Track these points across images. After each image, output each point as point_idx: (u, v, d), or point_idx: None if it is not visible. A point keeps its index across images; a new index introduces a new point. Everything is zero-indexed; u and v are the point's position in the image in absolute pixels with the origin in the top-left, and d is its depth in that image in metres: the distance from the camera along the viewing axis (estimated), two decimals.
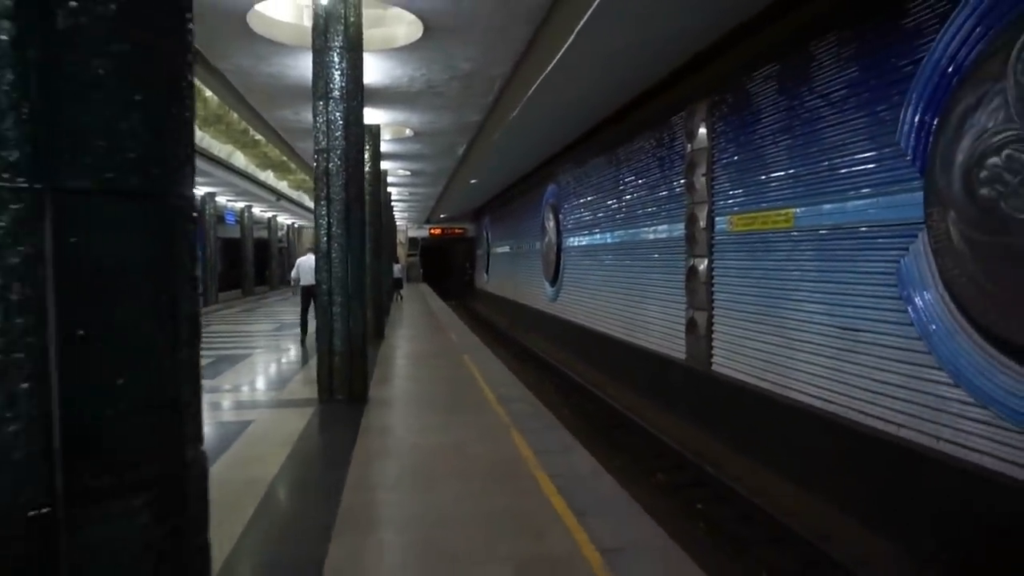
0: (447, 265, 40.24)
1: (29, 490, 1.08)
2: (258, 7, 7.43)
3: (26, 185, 1.06)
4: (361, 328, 6.87)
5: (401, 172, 20.06)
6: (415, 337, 13.54)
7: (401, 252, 35.01)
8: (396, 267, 23.53)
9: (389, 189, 22.37)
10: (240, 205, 25.79)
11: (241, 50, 8.59)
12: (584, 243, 14.88)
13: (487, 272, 32.55)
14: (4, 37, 1.04)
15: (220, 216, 23.81)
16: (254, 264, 27.50)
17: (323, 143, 6.77)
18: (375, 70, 9.03)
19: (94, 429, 1.13)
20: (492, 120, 12.63)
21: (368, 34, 7.28)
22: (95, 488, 1.13)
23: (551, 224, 17.74)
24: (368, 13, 7.16)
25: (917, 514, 5.27)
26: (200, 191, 22.45)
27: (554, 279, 17.38)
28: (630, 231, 11.89)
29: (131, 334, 1.18)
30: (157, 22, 1.22)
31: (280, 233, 34.64)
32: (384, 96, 10.48)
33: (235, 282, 26.12)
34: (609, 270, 13.11)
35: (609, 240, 13.12)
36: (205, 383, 8.13)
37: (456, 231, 38.80)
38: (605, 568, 3.20)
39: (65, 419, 1.10)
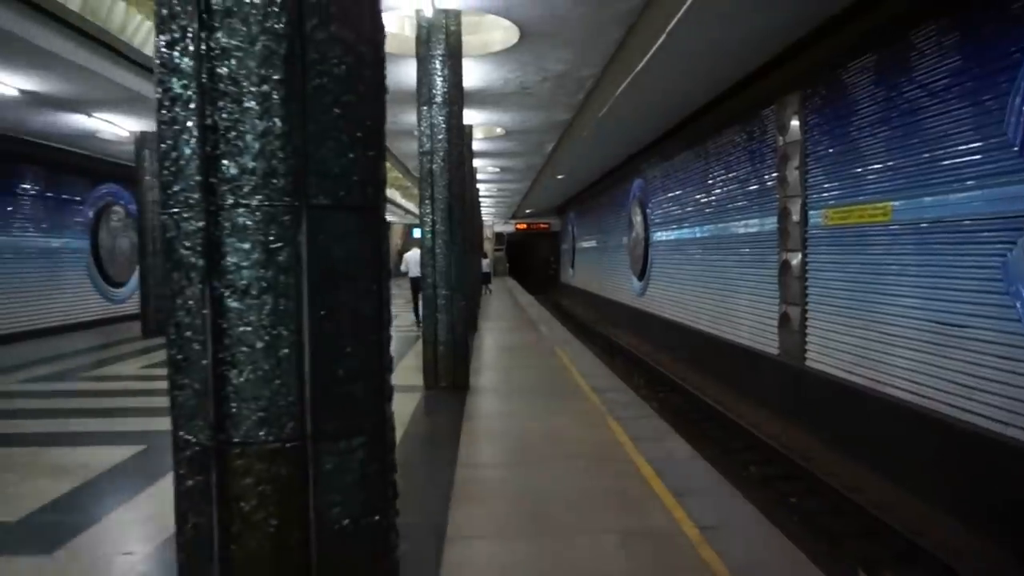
0: (532, 260, 40.67)
1: (289, 428, 1.47)
2: None
3: (290, 203, 1.44)
4: (463, 319, 7.30)
5: (490, 169, 20.55)
6: (506, 329, 13.95)
7: (488, 247, 35.63)
8: (484, 262, 24.09)
9: (477, 186, 22.94)
10: None
11: None
12: (672, 237, 14.91)
13: (572, 267, 32.76)
14: (276, 98, 1.43)
15: None
16: None
17: (427, 146, 7.22)
18: (472, 74, 9.44)
19: (330, 386, 1.51)
20: (581, 118, 12.87)
21: (466, 40, 7.66)
22: (330, 430, 1.51)
23: (638, 219, 17.80)
24: (466, 20, 7.55)
25: (1019, 512, 5.21)
26: None
27: (641, 274, 17.44)
28: (719, 225, 11.89)
29: (354, 314, 1.55)
30: (367, 78, 1.58)
31: None
32: (478, 98, 10.90)
33: None
34: (698, 264, 13.12)
35: (698, 234, 13.13)
36: None
37: (541, 226, 39.14)
38: (704, 543, 3.44)
39: (312, 377, 1.48)
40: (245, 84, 1.43)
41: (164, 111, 1.51)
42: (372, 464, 1.59)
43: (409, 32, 8.38)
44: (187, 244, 1.48)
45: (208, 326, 1.45)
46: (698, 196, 13.09)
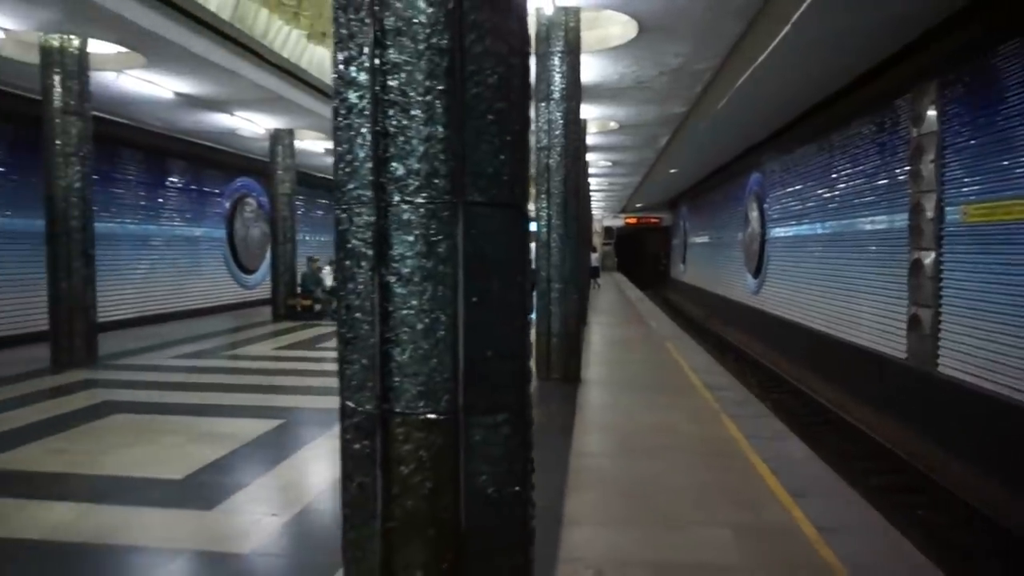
0: (641, 254, 40.15)
1: (444, 402, 1.64)
2: None
3: (449, 200, 1.61)
4: (576, 312, 7.42)
5: (602, 163, 20.51)
6: (616, 323, 13.95)
7: (596, 241, 35.52)
8: (593, 256, 24.07)
9: (588, 180, 22.93)
10: None
11: None
12: (790, 234, 14.38)
13: (683, 262, 32.12)
14: (439, 107, 1.60)
15: None
16: None
17: (544, 141, 7.37)
18: (588, 69, 9.49)
19: (480, 365, 1.67)
20: (697, 111, 12.65)
21: (584, 36, 7.73)
22: (479, 405, 1.67)
23: (754, 214, 17.26)
24: (584, 16, 7.61)
25: None
26: None
27: (756, 270, 16.91)
28: (843, 222, 11.36)
29: (502, 302, 1.70)
30: (516, 86, 1.73)
31: None
32: (594, 93, 10.94)
33: None
34: (818, 262, 12.59)
35: (819, 231, 12.60)
36: None
37: (652, 220, 38.57)
38: (823, 543, 3.40)
39: (465, 357, 1.64)
40: (412, 95, 1.61)
41: (340, 119, 1.71)
42: (514, 439, 1.74)
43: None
44: (359, 236, 1.68)
45: (376, 309, 1.64)
46: (820, 191, 12.55)
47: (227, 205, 16.70)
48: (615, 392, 7.27)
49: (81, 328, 8.49)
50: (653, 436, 5.39)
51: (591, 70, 9.67)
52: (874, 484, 7.02)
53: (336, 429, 5.42)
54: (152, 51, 8.31)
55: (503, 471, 1.71)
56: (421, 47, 1.60)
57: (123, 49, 8.47)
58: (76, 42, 8.05)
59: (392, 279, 1.63)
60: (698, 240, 27.98)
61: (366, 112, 1.65)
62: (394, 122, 1.62)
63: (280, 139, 13.84)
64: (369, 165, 1.65)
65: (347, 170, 1.70)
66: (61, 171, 8.24)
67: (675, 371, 8.19)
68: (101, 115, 10.34)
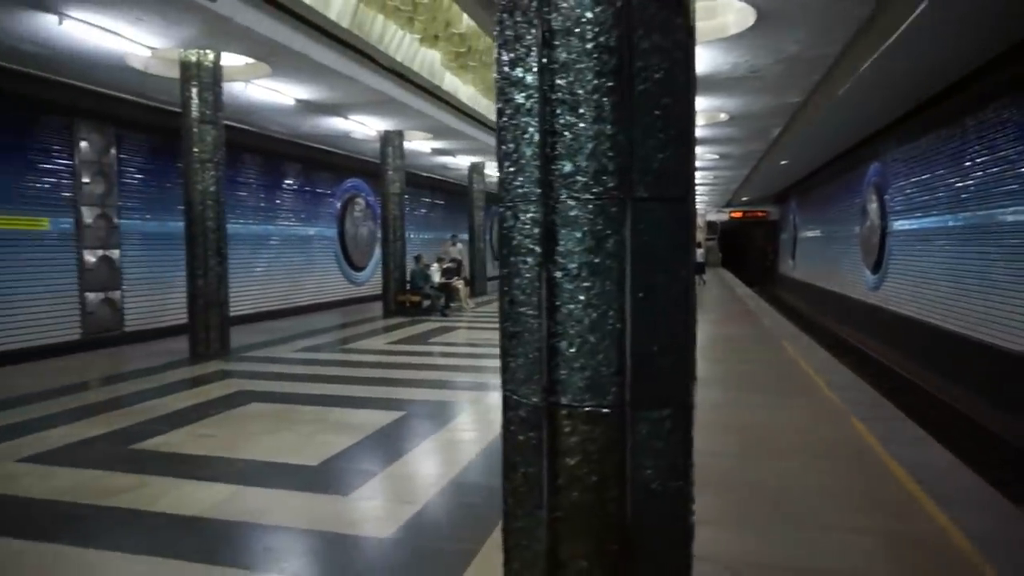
0: (747, 249, 38.86)
1: (611, 395, 1.66)
2: None
3: (617, 196, 1.63)
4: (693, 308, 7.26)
5: (708, 156, 19.98)
6: (726, 320, 13.57)
7: (700, 236, 34.67)
8: (698, 251, 23.53)
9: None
10: None
11: None
12: (915, 227, 13.51)
13: (792, 257, 30.84)
14: (607, 104, 1.61)
15: None
16: None
17: None
18: (699, 60, 9.29)
19: (646, 359, 1.67)
20: (813, 100, 12.10)
21: (698, 26, 7.55)
22: (644, 399, 1.68)
23: (873, 206, 16.33)
24: (700, 5, 7.45)
25: None
26: None
27: (876, 266, 16.01)
28: (979, 213, 10.57)
29: (667, 296, 1.70)
30: (680, 81, 1.71)
31: None
32: (705, 84, 10.68)
33: None
34: (948, 256, 11.77)
35: (950, 223, 11.78)
36: None
37: (758, 214, 37.23)
38: (980, 556, 3.19)
39: (632, 351, 1.65)
40: (580, 93, 1.63)
41: (506, 118, 1.76)
42: (677, 434, 1.74)
43: None
44: (524, 233, 1.72)
45: (543, 303, 1.68)
46: (951, 180, 11.73)
47: (338, 205, 17.42)
48: (732, 390, 7.08)
49: (216, 322, 9.10)
50: (778, 437, 5.22)
51: (702, 61, 9.45)
52: None
53: (456, 422, 5.58)
54: (277, 61, 8.79)
55: (666, 466, 1.72)
56: (589, 46, 1.62)
57: (251, 60, 9.00)
58: (211, 56, 8.62)
59: (559, 274, 1.66)
60: (809, 234, 26.78)
61: (533, 111, 1.69)
62: (562, 120, 1.65)
63: (390, 140, 14.30)
64: (536, 163, 1.69)
65: (513, 168, 1.74)
66: (198, 176, 8.86)
67: (794, 370, 7.89)
68: (229, 123, 11.03)
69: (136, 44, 8.00)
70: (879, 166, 16.01)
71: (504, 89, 1.76)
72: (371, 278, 18.37)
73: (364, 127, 13.53)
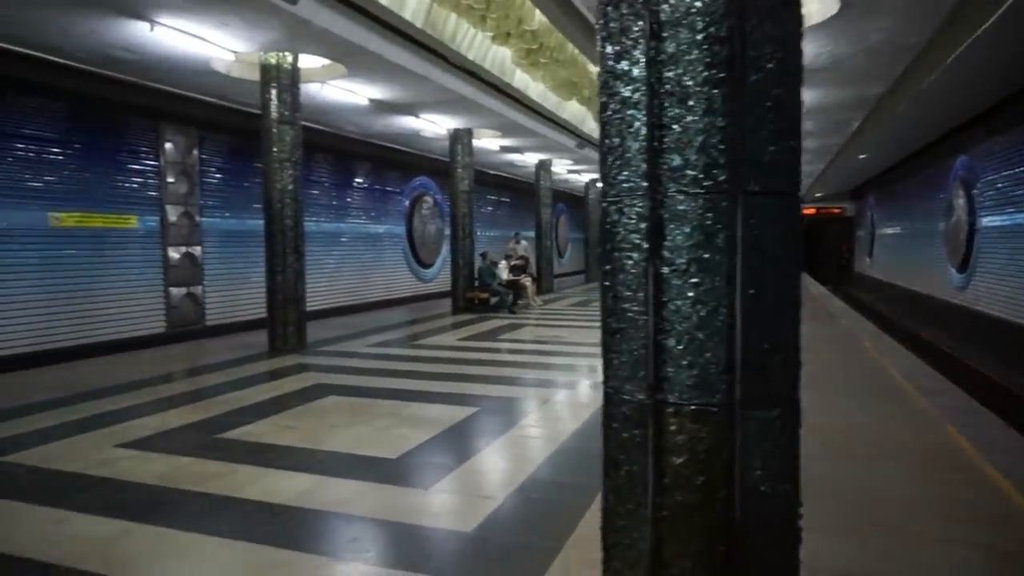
0: (820, 247, 37.58)
1: (719, 394, 1.62)
2: None
3: (728, 190, 1.59)
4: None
5: None
6: (803, 320, 13.14)
7: None
8: None
9: None
10: None
11: None
12: (1007, 223, 12.79)
13: (869, 255, 29.69)
14: (718, 96, 1.57)
15: (601, 200, 25.88)
16: None
17: None
18: None
19: (755, 358, 1.63)
20: (897, 91, 11.60)
21: None
22: (754, 398, 1.64)
23: (960, 201, 15.54)
24: None
25: None
26: (585, 177, 24.60)
27: (963, 264, 15.24)
28: None
29: (777, 293, 1.65)
30: (791, 71, 1.66)
31: None
32: None
33: None
34: None
35: None
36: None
37: (833, 210, 35.95)
38: None
39: (742, 348, 1.61)
40: (690, 85, 1.60)
41: (611, 112, 1.74)
42: (785, 433, 1.69)
43: None
44: (630, 228, 1.70)
45: (650, 300, 1.66)
46: None
47: (406, 203, 17.68)
48: (815, 393, 6.81)
49: (293, 317, 9.38)
50: (868, 442, 5.02)
51: None
52: None
53: (528, 419, 5.56)
54: (352, 61, 8.98)
55: (775, 467, 1.67)
56: (699, 37, 1.59)
57: (327, 61, 9.22)
58: (290, 58, 8.88)
59: (667, 270, 1.64)
60: (888, 231, 25.71)
61: (640, 104, 1.66)
62: (670, 113, 1.62)
63: (460, 138, 14.43)
64: (643, 157, 1.66)
65: (618, 162, 1.72)
66: (277, 175, 9.14)
67: (878, 373, 7.59)
68: (304, 123, 11.35)
69: (220, 48, 8.31)
70: (966, 160, 15.22)
71: (608, 83, 1.74)
72: (438, 275, 18.60)
73: (434, 125, 13.70)
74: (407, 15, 8.31)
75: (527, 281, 16.00)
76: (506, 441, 5.16)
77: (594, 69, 13.40)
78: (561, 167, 21.52)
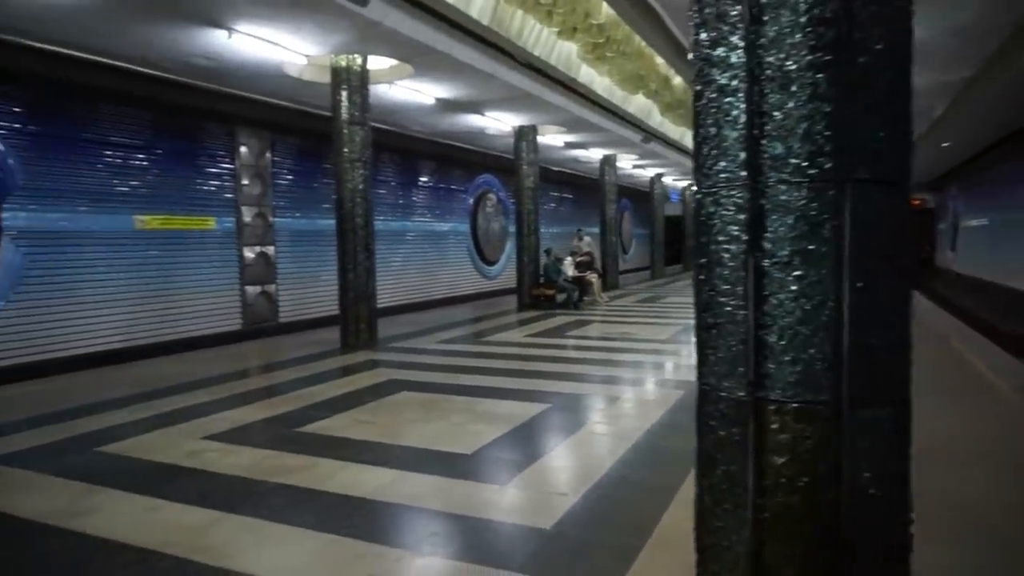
0: None
1: (825, 392, 1.55)
2: None
3: (834, 178, 1.52)
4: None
5: None
6: None
7: None
8: None
9: None
10: (683, 184, 27.16)
11: None
12: None
13: (952, 249, 28.29)
14: (822, 80, 1.50)
15: (666, 195, 25.53)
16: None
17: None
18: None
19: (864, 354, 1.55)
20: (987, 75, 10.98)
21: None
22: (862, 397, 1.56)
23: None
24: None
25: None
26: (650, 172, 24.27)
27: None
28: None
29: (886, 286, 1.57)
30: (900, 53, 1.57)
31: None
32: None
33: (676, 257, 27.73)
34: None
35: None
36: (671, 348, 9.03)
37: (913, 202, 34.19)
38: None
39: (849, 344, 1.54)
40: (793, 69, 1.53)
41: (705, 100, 1.69)
42: (896, 436, 1.61)
43: None
44: (727, 219, 1.65)
45: (750, 293, 1.60)
46: None
47: (471, 201, 17.80)
48: None
49: (364, 314, 9.57)
50: (964, 447, 4.77)
51: None
52: None
53: (600, 416, 5.50)
54: (420, 61, 9.08)
55: (886, 470, 1.59)
56: (803, 19, 1.52)
57: (395, 62, 9.35)
58: (359, 60, 9.04)
59: (768, 262, 1.58)
60: (972, 223, 24.43)
61: (738, 91, 1.61)
62: (771, 99, 1.56)
63: (524, 135, 14.43)
64: (741, 145, 1.61)
65: (714, 152, 1.67)
66: (348, 175, 9.33)
67: (969, 373, 7.21)
68: (373, 124, 11.55)
69: (293, 53, 8.53)
70: None
71: (703, 70, 1.69)
72: (502, 272, 18.66)
73: (499, 123, 13.74)
74: (474, 13, 8.35)
75: (593, 277, 15.88)
76: (579, 438, 5.13)
77: (661, 61, 13.18)
78: (626, 162, 21.28)
